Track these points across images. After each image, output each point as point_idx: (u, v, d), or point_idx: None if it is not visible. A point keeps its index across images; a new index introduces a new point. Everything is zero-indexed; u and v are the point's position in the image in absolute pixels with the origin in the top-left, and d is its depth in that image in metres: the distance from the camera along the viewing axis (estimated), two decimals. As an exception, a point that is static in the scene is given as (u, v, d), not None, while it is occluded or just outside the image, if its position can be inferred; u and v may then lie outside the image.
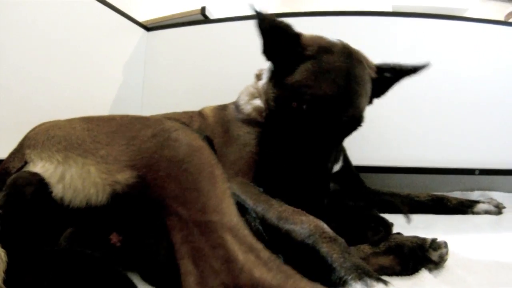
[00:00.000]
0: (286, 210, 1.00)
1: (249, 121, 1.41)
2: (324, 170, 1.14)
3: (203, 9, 2.25)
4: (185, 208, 0.72)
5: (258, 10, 1.17)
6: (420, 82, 1.93)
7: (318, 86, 1.12)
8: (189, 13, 2.29)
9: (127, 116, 0.93)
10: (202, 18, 2.30)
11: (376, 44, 2.03)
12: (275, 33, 1.21)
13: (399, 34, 2.08)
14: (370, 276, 0.74)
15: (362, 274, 0.74)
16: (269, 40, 1.24)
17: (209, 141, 0.87)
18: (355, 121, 1.18)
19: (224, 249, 0.67)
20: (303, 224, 0.91)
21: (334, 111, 1.12)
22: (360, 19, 2.12)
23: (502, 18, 4.49)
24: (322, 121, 1.12)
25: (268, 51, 1.28)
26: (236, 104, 1.52)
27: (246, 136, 1.36)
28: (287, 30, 1.21)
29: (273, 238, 0.94)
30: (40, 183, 0.77)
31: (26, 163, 0.84)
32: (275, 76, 1.29)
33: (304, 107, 1.12)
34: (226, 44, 2.24)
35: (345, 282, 0.74)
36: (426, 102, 1.99)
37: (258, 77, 1.54)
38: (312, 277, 0.84)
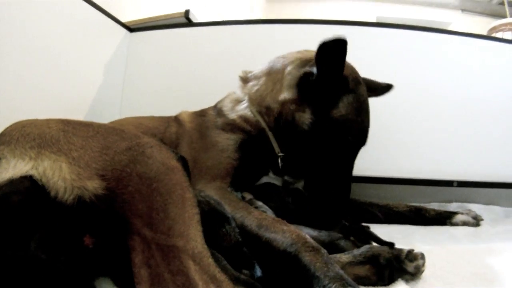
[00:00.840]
0: (266, 218, 0.99)
1: (232, 127, 1.40)
2: (350, 180, 1.32)
3: (186, 12, 2.23)
4: (149, 229, 0.69)
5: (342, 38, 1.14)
6: (398, 94, 1.95)
7: (361, 121, 1.29)
8: (173, 16, 2.27)
9: (104, 125, 0.92)
10: (186, 21, 2.28)
11: (359, 54, 2.03)
12: (336, 62, 1.20)
13: (383, 45, 2.09)
14: (353, 286, 0.74)
15: (346, 284, 0.74)
16: (327, 67, 1.22)
17: (184, 161, 0.86)
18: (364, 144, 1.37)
19: (185, 277, 0.64)
20: (285, 233, 0.91)
21: (366, 138, 1.33)
22: (345, 28, 2.13)
23: (485, 33, 4.57)
24: (358, 147, 1.32)
25: (322, 79, 1.25)
26: (217, 110, 1.51)
27: (225, 142, 1.35)
28: (343, 67, 1.23)
29: (252, 246, 0.93)
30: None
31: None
32: (313, 103, 1.28)
33: (350, 138, 1.27)
34: (208, 48, 2.23)
35: None
36: (405, 113, 2.00)
37: (245, 80, 1.53)
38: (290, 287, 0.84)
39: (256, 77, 1.48)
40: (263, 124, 1.37)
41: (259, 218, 1.00)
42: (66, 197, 0.74)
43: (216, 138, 1.37)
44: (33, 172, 0.75)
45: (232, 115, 1.43)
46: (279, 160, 1.35)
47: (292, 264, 0.84)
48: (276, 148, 1.36)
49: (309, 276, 0.79)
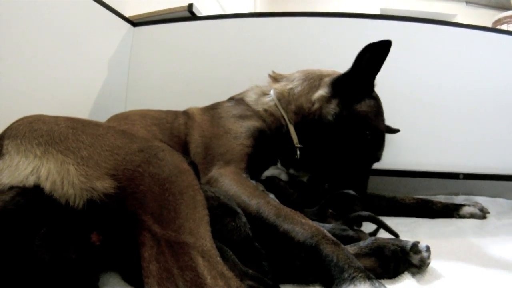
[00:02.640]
0: (284, 208, 0.99)
1: (252, 114, 1.47)
2: (365, 178, 1.45)
3: (190, 5, 2.21)
4: (160, 226, 0.70)
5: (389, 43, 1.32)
6: (404, 87, 1.94)
7: (378, 122, 1.43)
8: (176, 10, 2.25)
9: (114, 127, 0.93)
10: (189, 14, 2.27)
11: (363, 46, 2.02)
12: (371, 67, 1.38)
13: (386, 37, 2.07)
14: (376, 280, 0.74)
15: (370, 277, 0.75)
16: (360, 69, 1.38)
17: (194, 166, 0.87)
18: (380, 157, 1.48)
19: (194, 272, 0.65)
20: (304, 226, 0.91)
21: (379, 145, 1.45)
22: (348, 21, 2.12)
23: (489, 25, 4.54)
24: (372, 148, 1.42)
25: (351, 76, 1.41)
26: (236, 100, 1.57)
27: (239, 129, 1.38)
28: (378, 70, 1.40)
29: (267, 234, 0.94)
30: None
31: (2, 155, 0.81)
32: (341, 97, 1.43)
33: (367, 133, 1.39)
34: (212, 42, 2.22)
35: (354, 279, 0.74)
36: (410, 106, 1.99)
37: (275, 79, 1.63)
38: (303, 278, 0.85)
39: (289, 79, 1.58)
40: (286, 117, 1.47)
41: (277, 207, 1.00)
42: (77, 202, 0.75)
43: (229, 126, 1.40)
44: (33, 179, 0.75)
45: (257, 107, 1.51)
46: (297, 151, 1.44)
47: (311, 255, 0.84)
48: (295, 140, 1.44)
49: (331, 266, 0.79)
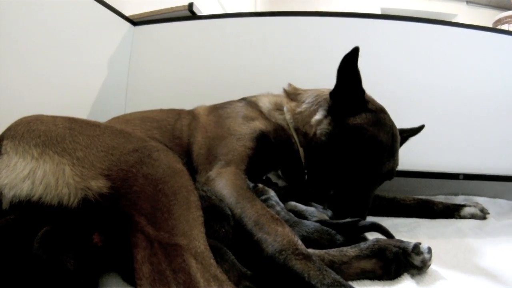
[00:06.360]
0: (266, 215, 0.96)
1: (262, 117, 1.46)
2: (368, 196, 1.31)
3: (190, 5, 2.21)
4: (153, 228, 0.70)
5: (355, 50, 1.26)
6: (404, 86, 1.93)
7: (377, 133, 1.31)
8: (176, 9, 2.25)
9: (111, 127, 0.93)
10: (190, 14, 2.27)
11: (364, 46, 2.02)
12: (351, 79, 1.33)
13: (387, 38, 2.08)
14: None
15: (348, 286, 0.73)
16: (343, 83, 1.35)
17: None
18: (391, 173, 1.39)
19: (186, 274, 0.64)
20: (277, 237, 0.88)
21: (381, 158, 1.32)
22: (348, 20, 2.12)
23: (490, 25, 4.53)
24: (370, 162, 1.30)
25: (338, 92, 1.37)
26: (249, 102, 1.56)
27: (243, 131, 1.37)
28: (360, 81, 1.34)
29: (244, 241, 0.93)
30: None
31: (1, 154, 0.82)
32: (333, 114, 1.39)
33: (363, 145, 1.30)
34: (213, 41, 2.22)
35: None
36: (411, 106, 1.99)
37: (289, 95, 1.59)
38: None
39: (301, 100, 1.55)
40: (296, 139, 1.44)
41: (258, 213, 0.97)
42: (71, 201, 0.75)
43: (235, 127, 1.39)
44: (27, 184, 0.75)
45: (269, 116, 1.49)
46: (305, 175, 1.42)
47: (281, 271, 0.82)
48: (303, 162, 1.43)
49: (304, 284, 0.77)
